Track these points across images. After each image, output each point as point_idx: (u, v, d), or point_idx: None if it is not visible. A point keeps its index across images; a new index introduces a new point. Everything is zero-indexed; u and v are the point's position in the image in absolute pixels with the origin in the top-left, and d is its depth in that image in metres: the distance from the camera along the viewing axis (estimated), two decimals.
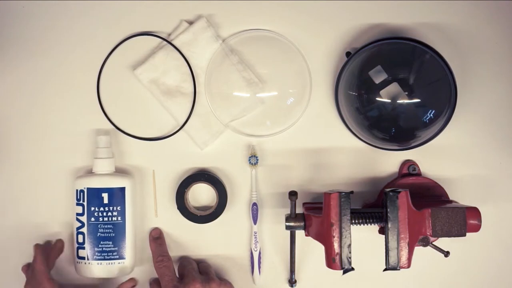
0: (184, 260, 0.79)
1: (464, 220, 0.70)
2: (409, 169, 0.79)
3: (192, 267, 0.76)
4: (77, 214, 0.76)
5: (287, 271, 0.81)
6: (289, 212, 0.75)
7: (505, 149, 0.80)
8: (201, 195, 0.81)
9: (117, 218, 0.76)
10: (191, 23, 0.79)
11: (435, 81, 0.76)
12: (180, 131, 0.80)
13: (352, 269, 0.68)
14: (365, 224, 0.72)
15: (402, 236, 0.68)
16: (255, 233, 0.80)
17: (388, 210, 0.68)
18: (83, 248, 0.76)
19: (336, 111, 0.79)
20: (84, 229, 0.76)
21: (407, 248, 0.68)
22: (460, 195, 0.80)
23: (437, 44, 0.76)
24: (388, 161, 0.80)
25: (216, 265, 0.81)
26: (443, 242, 0.75)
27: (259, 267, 0.80)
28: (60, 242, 0.80)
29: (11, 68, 0.80)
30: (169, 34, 0.80)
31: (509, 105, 0.80)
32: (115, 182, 0.76)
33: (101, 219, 0.76)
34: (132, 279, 0.79)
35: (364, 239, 0.78)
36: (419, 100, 0.76)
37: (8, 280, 0.80)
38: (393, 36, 0.77)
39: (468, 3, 0.79)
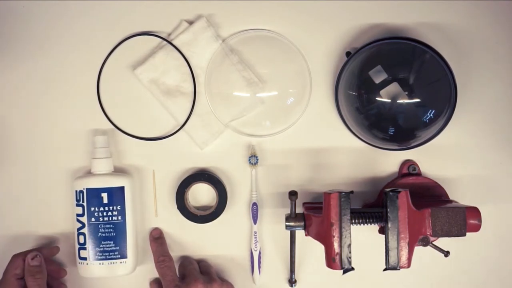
0: (185, 260, 0.79)
1: (464, 220, 0.70)
2: (409, 169, 0.79)
3: (194, 267, 0.76)
4: (77, 215, 0.76)
5: (287, 271, 0.81)
6: (289, 212, 0.75)
7: (505, 149, 0.80)
8: (201, 195, 0.81)
9: (117, 218, 0.76)
10: (191, 23, 0.79)
11: (435, 81, 0.76)
12: (180, 131, 0.80)
13: (352, 269, 0.68)
14: (365, 224, 0.72)
15: (402, 236, 0.68)
16: (255, 233, 0.80)
17: (388, 210, 0.68)
18: (85, 248, 0.76)
19: (336, 111, 0.79)
20: (85, 230, 0.76)
21: (407, 248, 0.68)
22: (460, 195, 0.80)
23: (437, 44, 0.76)
24: (388, 161, 0.80)
25: (216, 265, 0.81)
26: (443, 242, 0.75)
27: (259, 267, 0.80)
28: (55, 249, 0.79)
29: (11, 68, 0.80)
30: (169, 34, 0.80)
31: (509, 105, 0.80)
32: (114, 182, 0.76)
33: (101, 219, 0.76)
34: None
35: (364, 239, 0.78)
36: (419, 100, 0.76)
37: None
38: (393, 36, 0.77)
39: (468, 3, 0.79)
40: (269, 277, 0.81)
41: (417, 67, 0.77)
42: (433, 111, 0.76)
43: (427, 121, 0.76)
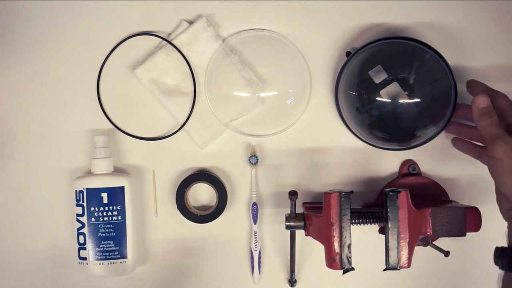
0: None
1: (464, 220, 0.70)
2: (409, 169, 0.79)
3: None
4: (77, 215, 0.76)
5: (287, 271, 0.81)
6: (289, 212, 0.75)
7: None
8: (201, 195, 0.81)
9: (117, 218, 0.76)
10: (191, 22, 0.79)
11: (435, 81, 0.76)
12: (180, 130, 0.80)
13: (352, 269, 0.68)
14: (365, 224, 0.72)
15: (402, 236, 0.68)
16: (255, 233, 0.80)
17: (388, 210, 0.68)
18: (84, 248, 0.76)
19: (336, 111, 0.78)
20: (85, 230, 0.76)
21: (407, 248, 0.68)
22: (460, 195, 0.80)
23: (437, 44, 0.76)
24: (388, 161, 0.80)
25: (216, 265, 0.81)
26: (443, 242, 0.75)
27: (259, 267, 0.80)
28: None
29: (10, 68, 0.80)
30: (169, 34, 0.80)
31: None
32: (114, 182, 0.76)
33: (101, 219, 0.76)
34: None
35: (364, 239, 0.78)
36: (419, 100, 0.76)
37: (6, 280, 0.81)
38: (393, 35, 0.77)
39: (468, 3, 0.79)
40: (269, 277, 0.81)
41: (417, 67, 0.77)
42: (433, 111, 0.76)
43: (427, 121, 0.76)
